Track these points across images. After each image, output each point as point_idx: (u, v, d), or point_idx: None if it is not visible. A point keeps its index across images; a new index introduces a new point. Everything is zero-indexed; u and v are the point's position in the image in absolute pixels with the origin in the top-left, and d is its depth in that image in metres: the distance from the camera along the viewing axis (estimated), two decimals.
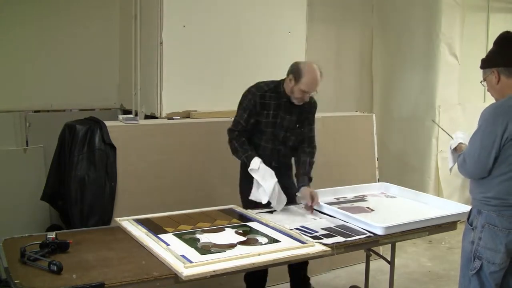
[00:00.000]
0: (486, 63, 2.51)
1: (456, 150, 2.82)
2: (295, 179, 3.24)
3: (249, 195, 3.10)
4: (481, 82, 2.54)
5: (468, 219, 2.49)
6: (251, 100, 3.13)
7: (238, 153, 3.13)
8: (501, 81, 2.42)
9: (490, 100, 2.33)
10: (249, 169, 3.05)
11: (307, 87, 3.06)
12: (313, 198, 3.03)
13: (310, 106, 3.26)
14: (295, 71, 3.08)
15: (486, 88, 2.53)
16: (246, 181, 3.15)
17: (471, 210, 2.50)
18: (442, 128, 3.47)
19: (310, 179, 3.19)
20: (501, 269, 2.36)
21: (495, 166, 2.35)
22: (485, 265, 2.36)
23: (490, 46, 2.85)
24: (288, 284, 3.48)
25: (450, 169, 2.93)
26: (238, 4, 4.09)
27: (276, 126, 3.18)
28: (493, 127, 2.32)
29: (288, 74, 3.12)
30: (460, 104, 5.54)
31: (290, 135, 3.21)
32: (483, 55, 2.52)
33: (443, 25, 5.29)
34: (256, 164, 3.02)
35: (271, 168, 3.06)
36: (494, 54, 2.49)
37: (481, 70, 2.53)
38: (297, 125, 3.22)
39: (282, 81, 3.17)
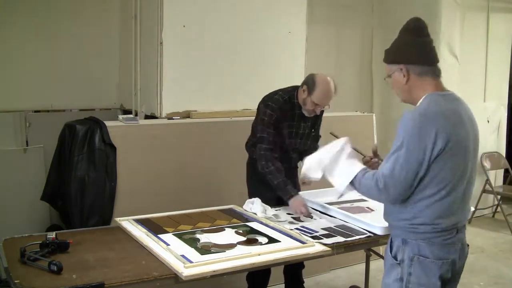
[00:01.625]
0: (392, 57, 2.12)
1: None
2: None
3: (256, 194, 3.13)
4: (385, 79, 2.16)
5: (390, 251, 2.09)
6: (273, 115, 3.07)
7: (271, 177, 3.03)
8: (410, 80, 2.06)
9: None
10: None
11: (319, 100, 3.03)
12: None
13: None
14: (310, 82, 3.04)
15: (391, 86, 2.17)
16: (256, 181, 3.20)
17: (391, 240, 2.10)
18: (336, 136, 2.69)
19: None
20: None
21: (421, 187, 1.96)
22: None
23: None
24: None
25: (340, 196, 2.28)
26: (238, 4, 4.09)
27: (292, 136, 3.19)
28: (419, 143, 1.92)
29: (302, 85, 3.09)
30: None
31: (305, 140, 3.23)
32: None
33: (443, 25, 5.29)
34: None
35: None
36: (402, 46, 2.10)
37: (385, 64, 2.15)
38: (312, 130, 3.25)
39: (296, 91, 3.14)
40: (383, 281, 2.13)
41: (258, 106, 3.17)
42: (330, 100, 3.07)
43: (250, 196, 3.22)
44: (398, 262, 2.05)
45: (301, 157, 3.25)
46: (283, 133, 3.14)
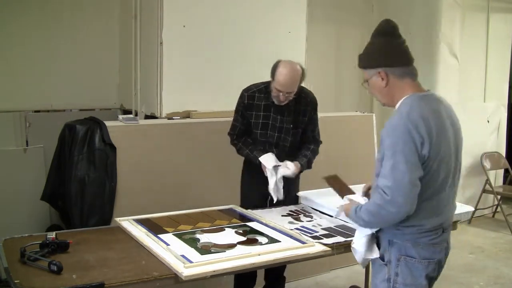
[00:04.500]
0: (368, 62, 2.08)
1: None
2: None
3: (249, 188, 3.16)
4: (362, 84, 2.13)
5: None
6: (240, 102, 3.15)
7: (241, 150, 3.18)
8: (390, 83, 2.03)
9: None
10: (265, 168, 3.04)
11: (279, 84, 2.96)
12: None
13: (306, 105, 3.16)
14: (273, 68, 3.02)
15: (368, 90, 2.14)
16: (248, 179, 3.22)
17: (378, 242, 2.11)
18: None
19: (308, 162, 3.15)
20: None
21: None
22: None
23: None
24: (289, 284, 3.48)
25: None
26: (238, 4, 4.09)
27: (269, 128, 3.12)
28: (411, 145, 1.89)
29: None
30: (460, 104, 5.54)
31: (284, 136, 3.14)
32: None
33: (443, 25, 5.29)
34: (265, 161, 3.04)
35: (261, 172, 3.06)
36: (377, 50, 2.06)
37: (363, 71, 2.12)
38: (291, 125, 3.13)
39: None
40: (372, 282, 2.17)
41: None
42: (291, 86, 2.96)
43: (242, 194, 3.27)
44: (385, 263, 2.07)
45: (286, 155, 3.15)
46: (256, 122, 3.12)
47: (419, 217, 1.98)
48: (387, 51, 2.04)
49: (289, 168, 3.02)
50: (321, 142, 3.30)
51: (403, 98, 2.02)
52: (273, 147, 3.13)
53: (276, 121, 3.12)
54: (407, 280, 2.02)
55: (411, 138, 1.90)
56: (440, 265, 2.09)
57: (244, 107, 3.12)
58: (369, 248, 2.14)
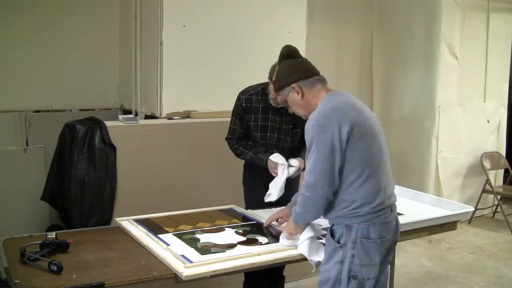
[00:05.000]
0: (282, 82, 2.29)
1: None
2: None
3: (251, 189, 3.11)
4: (284, 106, 2.33)
5: (333, 237, 2.21)
6: (238, 105, 3.09)
7: (244, 154, 3.11)
8: (305, 94, 2.24)
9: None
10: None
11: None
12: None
13: None
14: (270, 71, 2.95)
15: (290, 110, 2.35)
16: (249, 182, 3.18)
17: (332, 229, 2.24)
18: None
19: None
20: (376, 280, 2.21)
21: (346, 174, 2.13)
22: (362, 282, 2.16)
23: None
24: (289, 284, 3.47)
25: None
26: (238, 4, 4.09)
27: (268, 130, 3.09)
28: (325, 136, 2.09)
29: None
30: (460, 104, 5.55)
31: (284, 137, 3.11)
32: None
33: (443, 25, 5.29)
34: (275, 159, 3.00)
35: (263, 172, 3.02)
36: (285, 70, 2.29)
37: (278, 95, 2.34)
38: (291, 126, 3.10)
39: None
40: (322, 268, 2.25)
41: None
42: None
43: (245, 197, 3.24)
44: (340, 245, 2.18)
45: (287, 156, 3.10)
46: (255, 125, 3.08)
47: (367, 194, 2.14)
48: (294, 68, 2.28)
49: (293, 165, 3.00)
50: None
51: (320, 101, 2.22)
52: (273, 149, 3.11)
53: (275, 122, 3.08)
54: (363, 261, 2.15)
55: (325, 129, 2.10)
56: (389, 242, 2.24)
57: (242, 110, 3.08)
58: (312, 251, 2.31)
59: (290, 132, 3.12)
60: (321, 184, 2.13)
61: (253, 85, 3.14)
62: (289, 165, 2.99)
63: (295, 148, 3.19)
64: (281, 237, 2.44)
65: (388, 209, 2.22)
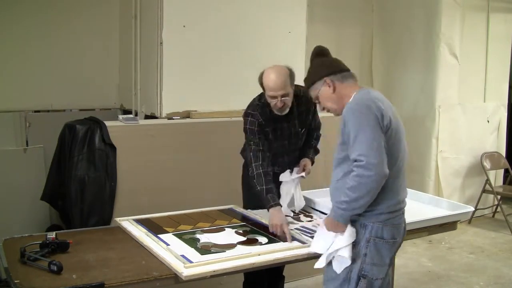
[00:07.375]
0: (314, 77, 2.32)
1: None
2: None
3: (251, 189, 3.03)
4: (315, 102, 2.34)
5: None
6: (254, 122, 2.95)
7: (255, 182, 2.87)
8: (336, 88, 2.26)
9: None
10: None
11: (271, 90, 2.83)
12: (304, 167, 3.05)
13: (306, 102, 3.05)
14: (259, 81, 2.90)
15: (321, 107, 2.35)
16: (248, 184, 3.14)
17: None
18: None
19: (315, 151, 3.21)
20: (383, 281, 2.21)
21: None
22: (371, 282, 2.16)
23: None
24: (289, 284, 3.47)
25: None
26: (238, 4, 4.09)
27: (279, 139, 3.05)
28: (372, 116, 2.09)
29: None
30: (460, 104, 5.55)
31: (295, 140, 3.12)
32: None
33: (443, 25, 5.29)
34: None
35: (273, 173, 2.99)
36: (318, 66, 2.34)
37: (310, 91, 2.34)
38: (300, 129, 3.11)
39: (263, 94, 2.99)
40: (330, 264, 2.25)
41: (242, 116, 3.04)
42: (282, 87, 2.81)
43: (244, 199, 3.21)
44: (353, 243, 2.18)
45: (298, 158, 3.14)
46: (270, 136, 3.01)
47: (385, 195, 2.13)
48: (326, 64, 2.34)
49: (300, 174, 3.04)
50: (320, 123, 3.26)
51: (353, 95, 2.22)
52: (285, 155, 3.10)
53: (283, 129, 3.05)
54: (374, 260, 2.16)
55: (370, 111, 2.10)
56: (399, 245, 2.29)
57: (259, 125, 2.95)
58: (336, 264, 2.26)
59: (299, 133, 3.15)
60: (384, 162, 2.07)
61: (251, 104, 3.04)
62: (296, 173, 3.03)
63: (304, 146, 3.22)
64: (314, 241, 2.34)
65: (400, 211, 2.25)
